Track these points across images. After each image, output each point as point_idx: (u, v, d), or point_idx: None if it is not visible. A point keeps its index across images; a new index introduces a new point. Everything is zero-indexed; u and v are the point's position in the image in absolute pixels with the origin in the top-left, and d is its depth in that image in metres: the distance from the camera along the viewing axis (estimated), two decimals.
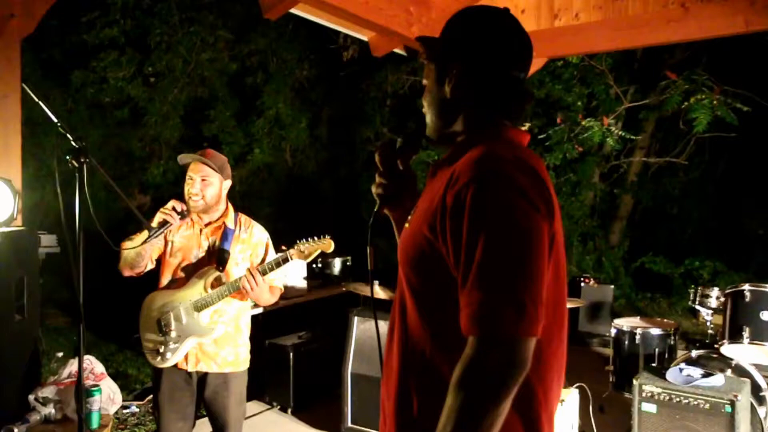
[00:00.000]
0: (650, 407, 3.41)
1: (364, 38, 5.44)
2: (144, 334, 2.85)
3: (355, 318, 4.24)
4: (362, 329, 4.19)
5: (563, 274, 1.29)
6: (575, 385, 3.69)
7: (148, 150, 10.47)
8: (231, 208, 2.94)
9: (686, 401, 3.29)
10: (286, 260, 2.71)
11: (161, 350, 2.77)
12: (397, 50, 5.58)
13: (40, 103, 2.03)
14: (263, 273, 2.70)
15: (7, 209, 2.56)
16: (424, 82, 1.40)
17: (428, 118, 1.41)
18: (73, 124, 9.95)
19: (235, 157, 10.85)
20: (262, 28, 10.03)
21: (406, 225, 1.38)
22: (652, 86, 8.02)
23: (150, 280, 2.92)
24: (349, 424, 4.14)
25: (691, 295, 4.92)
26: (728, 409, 3.17)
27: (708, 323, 4.96)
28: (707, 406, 3.23)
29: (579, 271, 8.57)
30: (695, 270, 8.59)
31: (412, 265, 1.30)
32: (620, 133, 7.80)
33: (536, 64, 5.68)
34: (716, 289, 4.83)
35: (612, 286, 7.02)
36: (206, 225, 2.87)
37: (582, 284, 6.84)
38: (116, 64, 9.56)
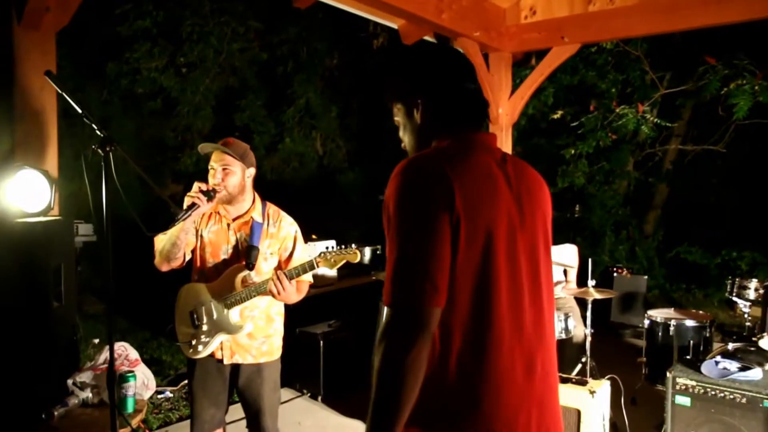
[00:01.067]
0: (684, 400, 3.35)
1: (394, 26, 5.41)
2: (178, 325, 2.88)
3: (385, 307, 4.24)
4: None
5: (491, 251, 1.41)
6: (607, 377, 3.64)
7: (180, 140, 10.63)
8: (258, 199, 2.92)
9: (722, 395, 3.22)
10: (312, 267, 2.69)
11: (193, 342, 2.80)
12: (427, 38, 5.53)
13: (64, 94, 2.06)
14: (290, 278, 2.68)
15: (44, 199, 2.62)
16: (396, 120, 1.64)
17: (408, 148, 1.63)
18: (108, 115, 10.15)
19: (266, 146, 10.94)
20: (292, 17, 10.04)
21: None
22: (690, 72, 7.80)
23: (185, 269, 2.95)
24: None
25: (728, 287, 4.81)
26: (766, 404, 3.09)
27: (746, 315, 4.84)
28: (744, 400, 3.16)
29: (612, 261, 8.43)
30: (733, 261, 8.38)
31: None
32: (655, 120, 7.62)
33: (569, 50, 5.58)
34: (755, 280, 4.71)
35: (645, 277, 6.89)
36: (234, 219, 2.85)
37: (615, 274, 6.73)
38: (149, 56, 9.71)
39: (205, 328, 2.78)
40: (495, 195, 1.44)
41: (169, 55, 9.89)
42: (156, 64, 9.86)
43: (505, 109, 6.01)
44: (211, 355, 2.83)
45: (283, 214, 2.95)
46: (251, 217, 2.85)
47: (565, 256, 4.82)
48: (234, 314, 2.77)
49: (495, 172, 1.48)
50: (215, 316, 2.77)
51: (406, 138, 1.63)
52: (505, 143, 6.09)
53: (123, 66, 9.72)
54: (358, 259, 2.72)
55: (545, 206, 1.62)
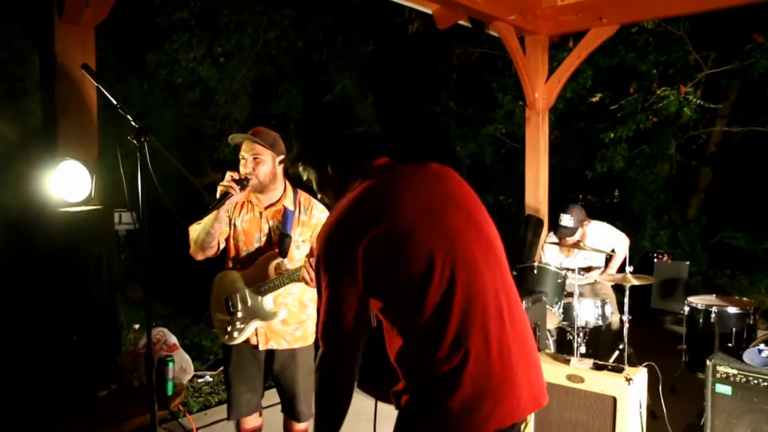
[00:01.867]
0: (725, 389, 3.27)
1: (428, 11, 5.37)
2: (214, 312, 2.93)
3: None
4: None
5: (412, 260, 1.63)
6: (644, 364, 3.59)
7: (218, 129, 10.78)
8: (290, 187, 2.94)
9: (765, 384, 3.14)
10: None
11: (229, 329, 2.85)
12: (461, 22, 5.48)
13: (100, 86, 2.11)
14: None
15: (85, 190, 2.70)
16: (310, 177, 1.93)
17: (329, 199, 1.92)
18: (148, 105, 10.37)
19: None
20: (326, 4, 10.06)
21: None
22: (736, 50, 7.53)
23: (219, 258, 3.01)
24: None
25: None
26: None
27: None
28: None
29: (653, 247, 8.26)
30: None
31: None
32: (699, 101, 7.39)
33: (607, 31, 5.45)
34: None
35: (687, 263, 6.72)
36: (266, 208, 2.88)
37: (655, 260, 6.59)
38: (187, 46, 9.86)
39: (240, 315, 2.83)
40: (410, 204, 1.67)
41: (206, 45, 10.03)
42: (194, 54, 10.01)
43: (542, 93, 5.92)
44: (247, 341, 2.89)
45: (315, 201, 2.96)
46: (283, 205, 2.88)
47: (615, 242, 4.75)
48: (268, 301, 2.82)
49: (400, 184, 1.73)
50: (250, 303, 2.82)
51: (324, 191, 1.92)
52: (542, 128, 6.00)
53: (162, 57, 9.90)
54: None
55: (457, 188, 1.80)
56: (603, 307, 4.30)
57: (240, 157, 2.85)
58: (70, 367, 2.55)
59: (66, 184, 2.65)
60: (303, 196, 2.97)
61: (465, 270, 1.64)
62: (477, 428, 1.58)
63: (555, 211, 5.06)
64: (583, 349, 4.27)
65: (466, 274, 1.63)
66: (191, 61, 9.97)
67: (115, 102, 2.20)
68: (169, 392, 2.73)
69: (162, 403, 2.58)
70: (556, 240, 4.76)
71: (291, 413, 3.02)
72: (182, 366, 2.85)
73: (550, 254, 4.90)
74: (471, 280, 1.63)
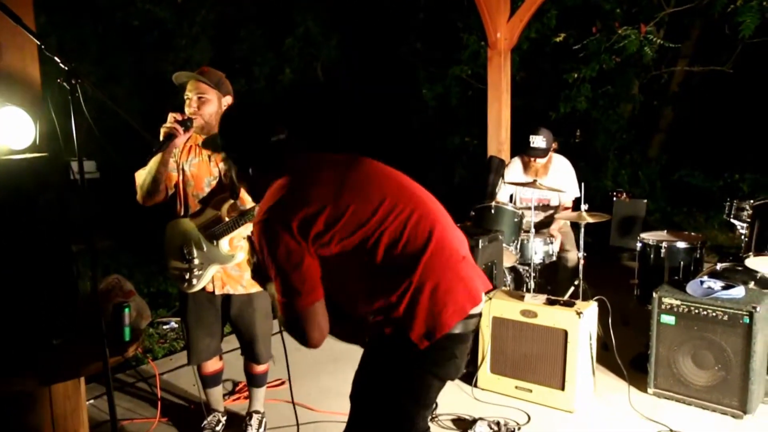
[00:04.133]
0: (669, 319, 3.43)
1: None
2: (170, 261, 2.93)
3: None
4: None
5: (362, 214, 1.84)
6: (595, 298, 3.72)
7: None
8: None
9: (704, 313, 3.30)
10: None
11: (187, 276, 2.86)
12: None
13: (22, 27, 2.02)
14: None
15: (29, 137, 2.64)
16: (231, 170, 2.08)
17: (251, 195, 2.11)
18: (106, 50, 10.00)
19: (266, 77, 10.79)
20: None
21: None
22: None
23: (172, 205, 2.98)
24: None
25: (726, 209, 4.80)
26: (746, 320, 3.17)
27: (743, 237, 4.86)
28: (725, 317, 3.23)
29: (614, 186, 8.42)
30: (735, 183, 8.33)
31: None
32: (660, 41, 7.40)
33: None
34: (752, 201, 4.70)
35: (645, 201, 6.87)
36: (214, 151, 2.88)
37: (614, 198, 6.72)
38: None
39: (196, 261, 2.84)
40: (334, 188, 1.85)
41: None
42: None
43: (504, 32, 5.87)
44: (203, 288, 2.91)
45: None
46: None
47: (561, 177, 4.81)
48: (224, 245, 2.82)
49: (323, 174, 1.91)
50: (205, 249, 2.82)
51: (245, 186, 2.08)
52: (504, 68, 5.97)
53: None
54: None
55: (373, 164, 2.00)
56: (550, 245, 4.43)
57: (184, 97, 2.80)
58: (22, 316, 2.55)
59: (7, 131, 2.59)
60: None
61: (410, 204, 1.90)
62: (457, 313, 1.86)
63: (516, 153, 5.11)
64: (535, 286, 4.40)
65: (410, 206, 1.89)
66: (147, 3, 9.60)
67: (39, 43, 2.12)
68: (127, 338, 2.75)
69: (119, 349, 2.61)
70: (514, 180, 4.81)
71: (251, 356, 3.08)
72: (139, 312, 2.86)
73: (505, 191, 4.95)
74: (421, 211, 1.90)
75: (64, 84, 1.99)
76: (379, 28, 10.89)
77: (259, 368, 3.14)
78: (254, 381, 3.18)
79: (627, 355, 3.90)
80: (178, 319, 4.90)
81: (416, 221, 1.87)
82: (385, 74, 10.95)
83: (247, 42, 10.49)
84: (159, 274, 6.29)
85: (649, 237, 4.30)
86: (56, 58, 2.01)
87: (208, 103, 2.77)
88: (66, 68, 1.99)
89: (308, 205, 1.81)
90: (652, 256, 4.20)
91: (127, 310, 2.71)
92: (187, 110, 2.78)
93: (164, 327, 4.78)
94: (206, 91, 2.77)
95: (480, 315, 2.00)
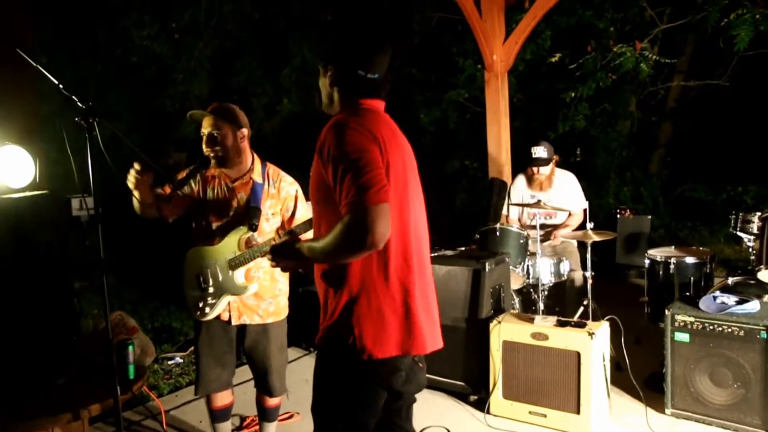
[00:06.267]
0: (683, 337, 3.37)
1: None
2: (187, 289, 2.93)
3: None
4: None
5: (404, 198, 1.96)
6: (606, 318, 3.66)
7: (178, 107, 10.54)
8: (258, 160, 2.94)
9: (720, 329, 3.24)
10: None
11: (200, 305, 2.85)
12: None
13: (39, 67, 2.05)
14: (294, 235, 2.71)
15: (29, 175, 2.62)
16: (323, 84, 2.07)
17: (323, 98, 2.10)
18: (105, 86, 10.07)
19: (265, 107, 10.83)
20: None
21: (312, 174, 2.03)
22: (689, 4, 7.57)
23: (192, 234, 2.98)
24: None
25: (732, 222, 4.75)
26: (764, 335, 3.10)
27: (750, 250, 4.81)
28: (741, 333, 3.17)
29: (616, 203, 8.39)
30: (738, 196, 8.30)
31: (315, 197, 1.99)
32: (655, 57, 7.44)
33: None
34: (758, 213, 4.65)
35: (649, 217, 6.83)
36: (234, 181, 2.89)
37: (618, 216, 6.69)
38: (140, 23, 9.55)
39: (211, 290, 2.84)
40: (396, 143, 1.98)
41: (160, 21, 9.74)
42: (147, 31, 9.71)
43: (500, 55, 5.90)
44: (218, 317, 2.89)
45: (283, 174, 2.98)
46: (251, 178, 2.89)
47: (578, 196, 4.80)
48: (239, 275, 2.82)
49: (391, 125, 2.04)
50: (221, 278, 2.82)
51: (325, 94, 2.08)
52: (502, 90, 5.99)
53: (115, 35, 9.59)
54: None
55: (408, 147, 2.10)
56: (558, 264, 4.37)
57: (201, 134, 2.84)
58: (24, 355, 2.50)
59: (8, 169, 2.57)
60: (272, 169, 2.97)
61: (403, 216, 1.96)
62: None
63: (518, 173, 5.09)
64: (543, 307, 4.34)
65: (404, 218, 1.96)
66: (145, 39, 9.69)
67: (56, 83, 2.15)
68: (131, 375, 2.69)
69: (124, 387, 2.55)
70: (518, 199, 4.79)
71: (264, 388, 3.02)
72: (143, 348, 2.81)
73: (513, 211, 4.95)
74: (404, 224, 1.96)
75: (82, 122, 2.01)
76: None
77: (272, 401, 3.08)
78: (266, 415, 3.12)
79: (642, 374, 3.82)
80: (184, 353, 4.84)
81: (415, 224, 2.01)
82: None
83: (244, 74, 10.56)
84: (163, 308, 6.24)
85: (657, 253, 4.26)
86: (74, 97, 2.04)
87: (223, 138, 2.81)
88: (83, 107, 2.02)
89: (379, 139, 1.88)
90: (661, 272, 4.15)
91: (131, 347, 2.66)
92: (204, 147, 2.82)
93: (169, 362, 4.70)
94: (221, 126, 2.81)
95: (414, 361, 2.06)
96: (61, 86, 2.09)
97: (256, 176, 2.89)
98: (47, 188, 2.82)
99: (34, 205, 2.54)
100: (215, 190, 2.90)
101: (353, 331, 1.86)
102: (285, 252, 2.05)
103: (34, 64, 2.13)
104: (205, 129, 2.83)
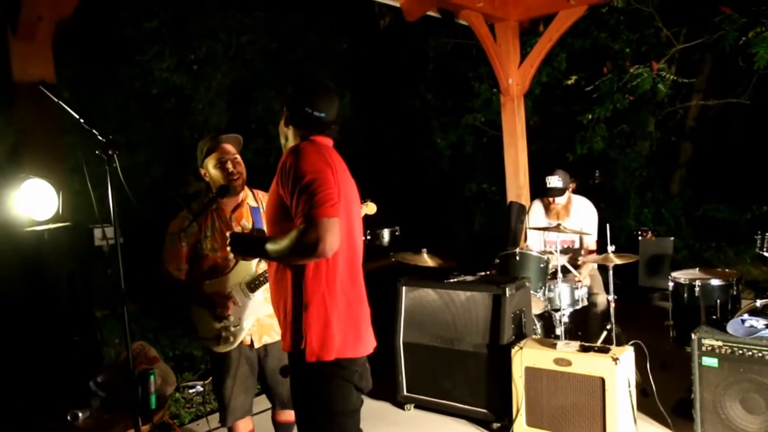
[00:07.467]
0: (711, 361, 3.28)
1: (396, 4, 5.34)
2: (202, 326, 2.92)
3: (404, 287, 4.24)
4: (411, 298, 4.20)
5: (350, 220, 2.24)
6: (631, 342, 3.59)
7: (198, 137, 10.68)
8: (246, 187, 3.03)
9: (749, 353, 3.16)
10: None
11: (223, 335, 2.86)
12: (430, 13, 5.46)
13: (61, 103, 2.09)
14: None
15: (52, 207, 2.66)
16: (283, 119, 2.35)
17: (282, 137, 2.36)
18: (126, 118, 10.27)
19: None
20: (296, 4, 10.01)
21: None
22: (706, 23, 7.55)
23: (202, 273, 2.98)
24: (405, 393, 4.18)
25: (758, 242, 4.67)
26: None
27: None
28: None
29: (637, 225, 8.29)
30: (763, 215, 8.15)
31: (271, 217, 2.24)
32: (673, 77, 7.40)
33: (576, 12, 5.46)
34: None
35: (672, 238, 6.74)
36: (233, 212, 2.94)
37: (639, 238, 6.60)
38: (159, 56, 9.75)
39: (231, 318, 2.85)
40: (344, 172, 2.25)
41: (179, 53, 9.93)
42: (167, 64, 9.91)
43: (515, 78, 5.92)
44: (240, 342, 2.89)
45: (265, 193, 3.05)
46: (248, 204, 2.97)
47: (583, 218, 4.74)
48: (259, 295, 2.87)
49: (339, 158, 2.28)
50: (241, 304, 2.86)
51: (283, 130, 2.34)
52: (518, 113, 6.00)
53: (135, 69, 9.79)
54: (374, 210, 3.15)
55: (352, 181, 2.34)
56: (573, 291, 4.31)
57: (220, 160, 2.88)
58: (48, 388, 2.52)
59: (32, 202, 2.61)
60: (259, 192, 3.06)
61: (351, 234, 2.25)
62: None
63: (536, 197, 5.06)
64: (565, 332, 4.27)
65: (351, 236, 2.25)
66: (165, 71, 9.88)
67: (77, 117, 2.19)
68: (152, 405, 2.70)
69: (146, 417, 2.55)
70: (537, 225, 4.75)
71: (284, 403, 3.00)
72: (164, 378, 2.82)
73: (533, 239, 4.90)
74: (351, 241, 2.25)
75: (102, 155, 2.06)
76: (389, 81, 11.07)
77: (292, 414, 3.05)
78: (288, 429, 3.10)
79: (669, 400, 3.73)
80: (205, 381, 4.83)
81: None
82: (398, 127, 11.08)
83: (261, 103, 10.70)
84: (184, 336, 6.24)
85: (681, 276, 4.18)
86: (94, 131, 2.09)
87: (241, 162, 2.94)
88: (104, 140, 2.07)
89: (331, 164, 2.15)
90: (686, 295, 4.06)
91: (152, 377, 2.67)
92: (229, 171, 2.88)
93: (190, 391, 4.70)
94: (236, 152, 2.94)
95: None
96: (81, 120, 2.13)
97: (251, 201, 3.00)
98: (70, 220, 2.86)
99: (57, 237, 2.58)
100: (215, 225, 2.92)
101: (305, 337, 2.10)
102: (245, 241, 2.32)
103: (56, 100, 2.18)
104: (228, 155, 2.89)
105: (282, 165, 2.14)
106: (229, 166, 2.88)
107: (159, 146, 10.52)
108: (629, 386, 3.35)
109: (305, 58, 10.60)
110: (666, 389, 3.75)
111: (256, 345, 2.91)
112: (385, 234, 6.06)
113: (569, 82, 8.02)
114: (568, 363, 3.39)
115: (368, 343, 2.33)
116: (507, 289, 3.78)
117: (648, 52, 7.86)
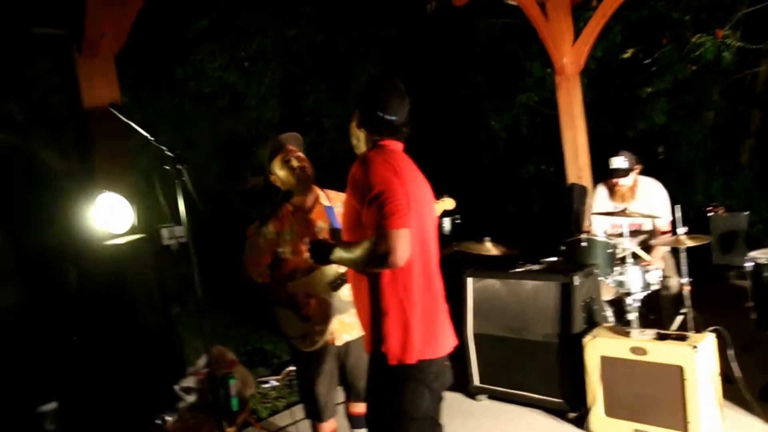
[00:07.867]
0: None
1: None
2: (288, 325, 2.95)
3: (470, 278, 4.21)
4: (478, 288, 4.16)
5: (422, 224, 2.28)
6: (710, 329, 3.46)
7: (253, 133, 10.85)
8: (316, 188, 3.05)
9: None
10: None
11: (309, 334, 2.89)
12: None
13: (131, 123, 2.15)
14: None
15: (128, 220, 2.75)
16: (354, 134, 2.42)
17: (354, 139, 2.41)
18: (181, 119, 10.52)
19: (338, 128, 11.01)
20: None
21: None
22: None
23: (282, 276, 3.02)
24: (477, 384, 4.16)
25: None
26: None
27: None
28: None
29: (706, 200, 7.95)
30: None
31: (347, 224, 2.31)
32: (738, 43, 7.03)
33: None
34: None
35: (746, 213, 6.42)
36: (308, 212, 2.96)
37: (709, 214, 6.32)
38: (211, 55, 9.92)
39: (317, 318, 2.88)
40: (414, 179, 2.28)
41: (229, 52, 10.07)
42: (219, 62, 10.07)
43: (569, 57, 5.75)
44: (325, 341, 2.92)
45: (336, 192, 3.08)
46: (322, 204, 2.99)
47: (651, 200, 4.56)
48: (343, 293, 2.87)
49: (410, 163, 2.32)
50: (325, 302, 2.88)
51: (356, 134, 2.40)
52: (574, 92, 5.84)
53: (189, 68, 9.99)
54: (453, 205, 3.14)
55: (425, 183, 2.41)
56: (647, 273, 4.14)
57: (286, 159, 2.94)
58: (135, 393, 2.62)
59: (108, 216, 2.71)
60: (330, 192, 3.07)
61: (424, 238, 2.28)
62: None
63: (598, 178, 4.92)
64: (636, 318, 4.13)
65: (424, 241, 2.29)
66: (217, 70, 10.04)
67: (148, 136, 2.26)
68: (234, 408, 2.77)
69: (229, 420, 2.63)
70: (601, 210, 4.61)
71: (360, 395, 3.00)
72: (243, 381, 2.89)
73: (598, 224, 4.76)
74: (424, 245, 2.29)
75: (172, 171, 2.12)
76: (438, 67, 10.95)
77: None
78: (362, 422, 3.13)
79: (754, 386, 3.59)
80: (278, 376, 4.93)
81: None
82: (450, 113, 10.96)
83: (312, 96, 10.76)
84: (255, 332, 6.37)
85: (761, 255, 3.98)
86: (163, 148, 2.16)
87: (306, 160, 2.98)
88: (172, 156, 2.13)
89: (399, 173, 2.19)
90: (766, 275, 3.88)
91: (232, 380, 2.75)
92: (296, 167, 2.93)
93: (265, 386, 4.80)
94: (298, 150, 2.99)
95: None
96: (152, 139, 2.19)
97: (324, 201, 3.01)
98: (144, 230, 2.96)
99: (135, 248, 2.66)
100: (293, 228, 2.94)
101: (386, 341, 2.16)
102: (323, 249, 2.35)
103: (127, 120, 2.25)
104: (290, 153, 2.94)
105: (352, 175, 2.21)
106: (294, 162, 2.93)
107: (216, 144, 10.73)
108: (711, 374, 3.24)
109: (351, 48, 10.59)
110: (750, 374, 3.61)
111: (339, 343, 2.94)
112: (446, 223, 6.03)
113: (626, 56, 7.73)
114: (644, 352, 3.30)
115: (448, 342, 2.37)
116: (575, 278, 3.70)
117: (709, 20, 7.48)
